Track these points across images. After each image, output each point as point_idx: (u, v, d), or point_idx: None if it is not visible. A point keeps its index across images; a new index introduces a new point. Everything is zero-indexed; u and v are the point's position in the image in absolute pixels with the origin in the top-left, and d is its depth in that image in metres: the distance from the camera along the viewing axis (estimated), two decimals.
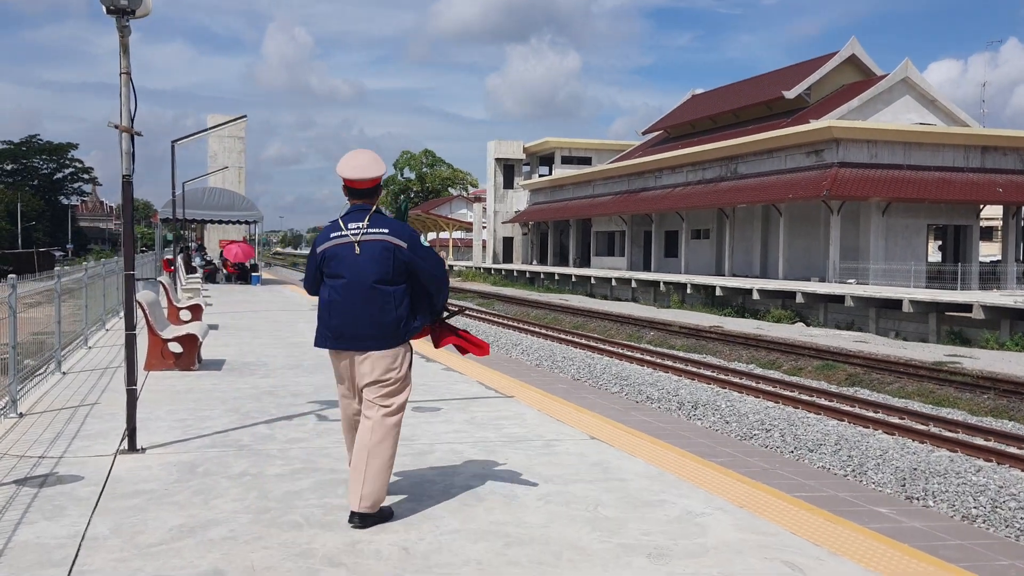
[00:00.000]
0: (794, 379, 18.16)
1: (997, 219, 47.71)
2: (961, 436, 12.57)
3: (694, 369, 19.07)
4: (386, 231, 4.46)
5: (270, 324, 15.05)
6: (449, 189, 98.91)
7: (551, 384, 8.62)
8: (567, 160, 61.13)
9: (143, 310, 8.84)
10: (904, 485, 10.48)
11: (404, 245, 4.45)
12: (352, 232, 4.44)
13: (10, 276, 6.67)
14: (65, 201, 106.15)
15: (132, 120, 5.37)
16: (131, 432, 5.50)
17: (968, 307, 24.88)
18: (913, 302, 25.85)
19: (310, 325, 15.07)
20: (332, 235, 4.51)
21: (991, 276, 36.73)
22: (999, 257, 40.73)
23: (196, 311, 13.49)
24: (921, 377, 17.56)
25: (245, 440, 5.89)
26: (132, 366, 5.50)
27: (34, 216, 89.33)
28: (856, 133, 34.31)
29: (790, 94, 42.54)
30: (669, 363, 20.09)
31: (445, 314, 4.80)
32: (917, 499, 10.12)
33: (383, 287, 4.40)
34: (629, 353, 21.83)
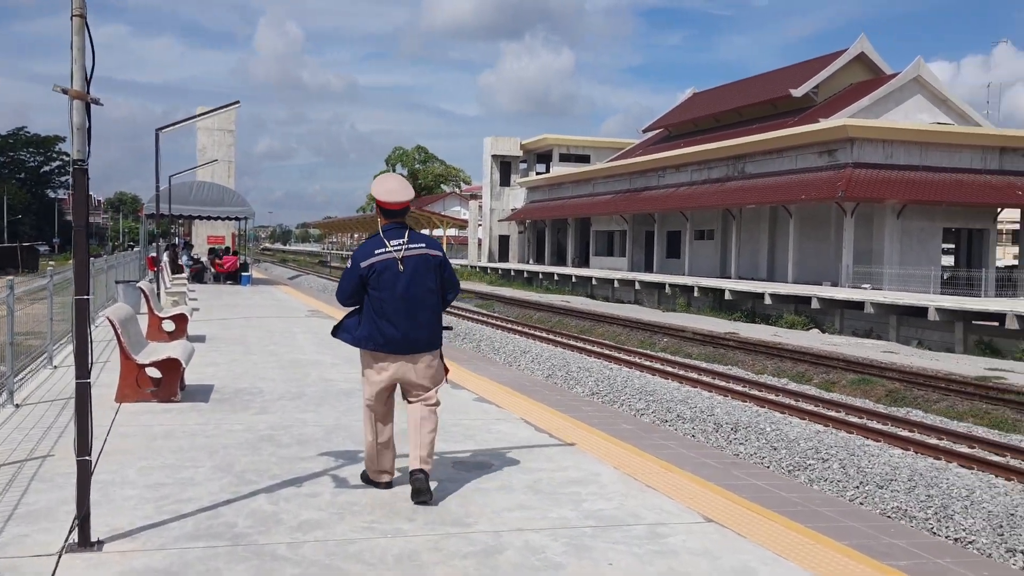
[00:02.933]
0: (834, 396, 16.71)
1: (1013, 222, 46.46)
2: None
3: (724, 383, 17.57)
4: (423, 245, 5.01)
5: (264, 335, 13.46)
6: (442, 186, 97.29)
7: (612, 423, 7.07)
8: (565, 158, 59.62)
9: (115, 330, 7.27)
10: (1003, 535, 9.02)
11: (442, 255, 5.07)
12: (395, 248, 4.90)
13: None
14: (52, 195, 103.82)
15: (88, 82, 3.81)
16: (83, 520, 3.93)
17: (997, 316, 23.50)
18: (939, 310, 24.43)
19: (309, 336, 13.49)
20: (376, 251, 4.91)
21: (1007, 282, 35.39)
22: (1014, 262, 39.49)
23: (181, 322, 11.92)
24: (969, 395, 16.14)
25: (241, 524, 4.33)
26: (85, 430, 3.92)
27: (20, 209, 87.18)
28: (871, 132, 32.92)
29: (797, 92, 41.17)
30: (694, 375, 18.58)
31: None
32: (1022, 551, 8.67)
33: (430, 295, 4.95)
34: (649, 364, 20.32)
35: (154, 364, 7.54)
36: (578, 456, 5.85)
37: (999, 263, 43.53)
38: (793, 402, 15.72)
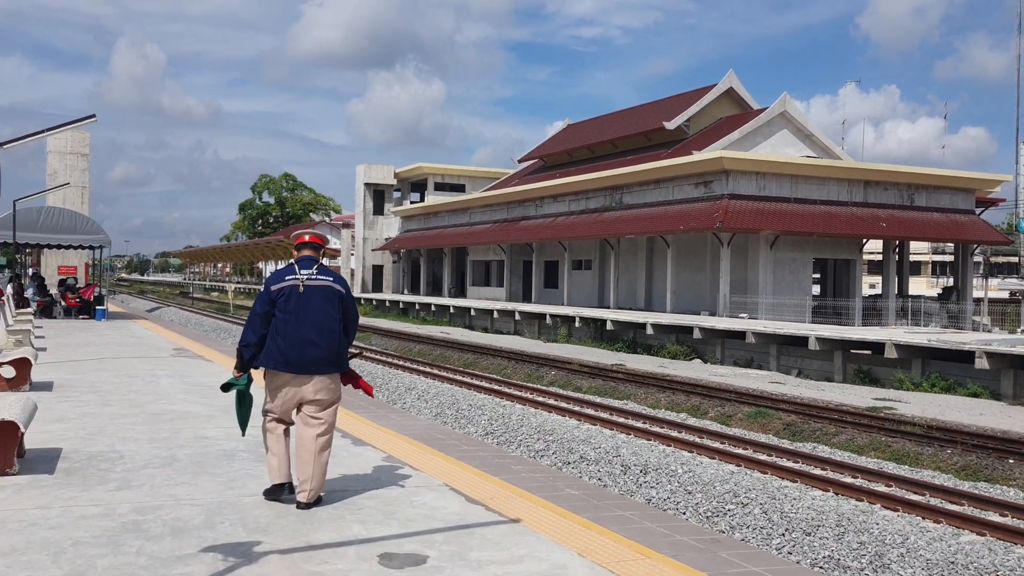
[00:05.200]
0: (736, 431, 16.25)
1: (875, 253, 48.41)
2: (969, 510, 10.79)
3: (624, 420, 16.86)
4: (331, 279, 5.62)
5: (123, 380, 11.79)
6: (311, 214, 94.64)
7: (553, 487, 6.03)
8: (440, 187, 58.74)
9: None
10: None
11: (344, 291, 5.66)
12: (303, 275, 5.51)
13: None
14: None
15: None
16: None
17: (873, 344, 23.87)
18: (819, 339, 24.66)
19: (176, 381, 11.89)
20: (287, 277, 5.53)
21: (873, 311, 36.60)
22: (878, 291, 40.98)
23: (22, 367, 10.20)
24: (865, 427, 15.99)
25: None
26: None
27: None
28: (745, 165, 33.46)
29: (671, 125, 41.72)
30: (591, 411, 17.81)
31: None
32: None
33: (331, 321, 5.49)
34: (544, 400, 19.44)
35: None
36: (530, 538, 4.79)
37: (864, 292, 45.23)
38: (698, 439, 15.13)
